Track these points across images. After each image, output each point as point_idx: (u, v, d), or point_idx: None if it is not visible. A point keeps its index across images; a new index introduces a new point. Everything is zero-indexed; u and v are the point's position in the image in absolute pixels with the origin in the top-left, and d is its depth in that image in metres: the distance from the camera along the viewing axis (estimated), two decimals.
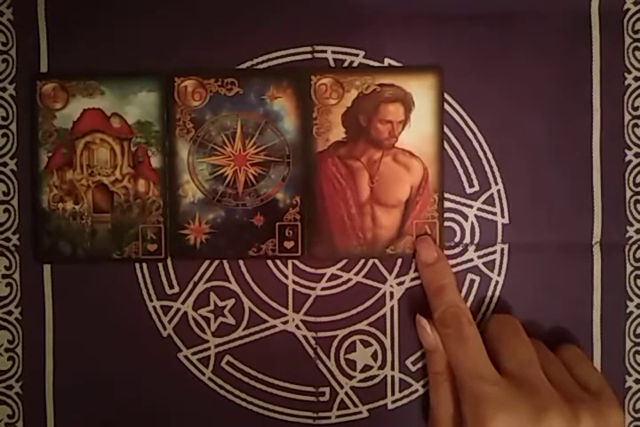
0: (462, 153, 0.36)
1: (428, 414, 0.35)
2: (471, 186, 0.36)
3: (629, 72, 0.36)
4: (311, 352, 0.36)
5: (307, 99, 0.35)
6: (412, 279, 0.36)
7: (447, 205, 0.36)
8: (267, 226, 0.36)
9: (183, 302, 0.36)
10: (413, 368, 0.36)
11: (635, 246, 0.36)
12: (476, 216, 0.36)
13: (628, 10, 0.36)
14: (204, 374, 0.36)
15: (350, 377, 0.36)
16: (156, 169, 0.36)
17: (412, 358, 0.36)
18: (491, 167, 0.36)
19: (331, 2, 0.36)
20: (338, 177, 0.35)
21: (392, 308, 0.36)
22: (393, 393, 0.36)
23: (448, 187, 0.36)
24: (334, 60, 0.36)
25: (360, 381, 0.36)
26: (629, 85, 0.36)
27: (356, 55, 0.36)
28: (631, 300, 0.36)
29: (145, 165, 0.36)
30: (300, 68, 0.36)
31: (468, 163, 0.36)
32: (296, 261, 0.36)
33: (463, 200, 0.36)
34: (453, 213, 0.36)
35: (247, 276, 0.36)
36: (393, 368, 0.36)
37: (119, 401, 0.36)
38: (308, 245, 0.36)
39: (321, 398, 0.36)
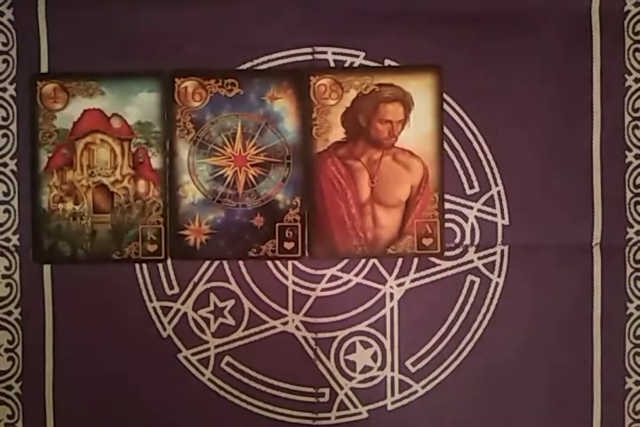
0: (462, 154, 0.36)
1: (427, 415, 0.35)
2: (471, 187, 0.36)
3: (630, 74, 0.36)
4: (311, 353, 0.36)
5: (306, 99, 0.35)
6: (412, 280, 0.36)
7: (447, 206, 0.36)
8: (267, 227, 0.36)
9: (183, 303, 0.36)
10: (413, 369, 0.36)
11: (635, 248, 0.36)
12: (476, 217, 0.36)
13: (629, 11, 0.36)
14: (203, 374, 0.36)
15: (350, 378, 0.36)
16: (156, 170, 0.36)
17: (412, 360, 0.36)
18: (491, 169, 0.36)
19: (331, 3, 0.36)
20: (338, 177, 0.35)
21: (392, 309, 0.36)
22: (393, 394, 0.36)
23: (448, 188, 0.36)
24: (335, 61, 0.36)
25: (360, 382, 0.36)
26: (630, 87, 0.36)
27: (357, 56, 0.36)
28: (631, 301, 0.36)
29: (145, 166, 0.36)
30: (300, 68, 0.36)
31: (468, 164, 0.36)
32: (296, 262, 0.36)
33: (463, 201, 0.36)
34: (454, 214, 0.36)
35: (247, 277, 0.36)
36: (393, 369, 0.36)
37: (119, 401, 0.36)
38: (309, 245, 0.36)
39: (321, 399, 0.36)
